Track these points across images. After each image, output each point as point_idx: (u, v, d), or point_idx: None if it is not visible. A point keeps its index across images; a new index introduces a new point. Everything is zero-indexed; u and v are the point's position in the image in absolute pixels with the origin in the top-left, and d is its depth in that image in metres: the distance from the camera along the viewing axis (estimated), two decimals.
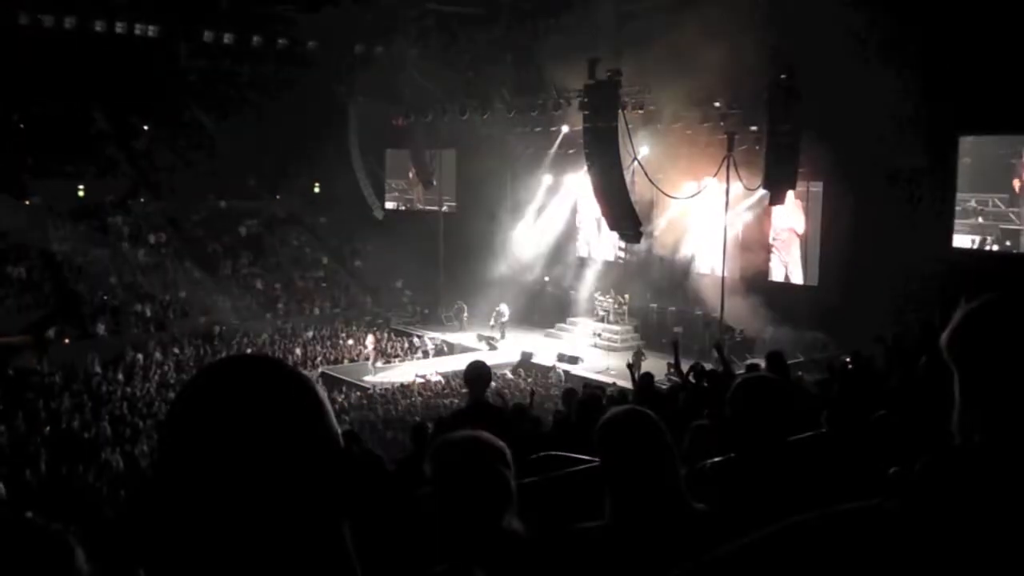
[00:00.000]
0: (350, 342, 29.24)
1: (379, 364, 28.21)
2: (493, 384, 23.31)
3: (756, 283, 28.32)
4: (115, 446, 18.63)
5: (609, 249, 33.02)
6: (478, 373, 5.96)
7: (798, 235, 28.76)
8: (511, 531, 2.17)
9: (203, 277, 34.32)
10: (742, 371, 10.71)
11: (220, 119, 38.04)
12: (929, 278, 20.59)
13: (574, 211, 34.62)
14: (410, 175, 39.82)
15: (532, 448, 5.38)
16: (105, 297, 30.71)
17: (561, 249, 34.54)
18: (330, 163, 36.73)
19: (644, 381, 9.81)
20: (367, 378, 26.65)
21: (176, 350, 28.61)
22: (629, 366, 12.10)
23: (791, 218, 28.65)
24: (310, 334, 31.90)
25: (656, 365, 17.82)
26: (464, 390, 23.57)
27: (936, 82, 21.45)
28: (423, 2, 31.44)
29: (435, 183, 37.49)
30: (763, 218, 28.81)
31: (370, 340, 28.15)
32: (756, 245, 28.92)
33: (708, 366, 11.04)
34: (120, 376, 25.86)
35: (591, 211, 31.88)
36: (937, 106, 21.90)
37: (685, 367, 10.53)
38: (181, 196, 36.38)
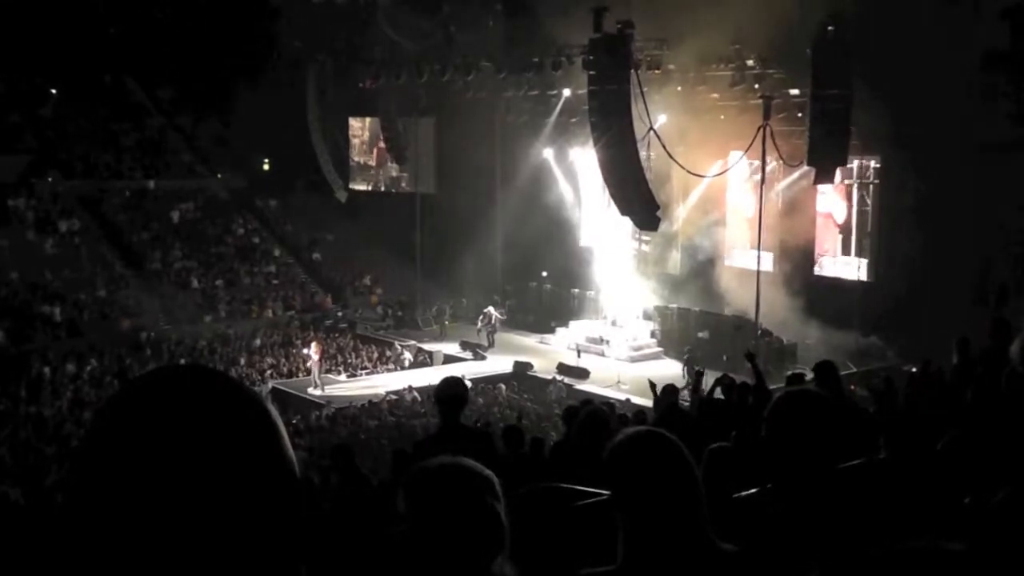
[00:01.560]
0: (306, 351, 29.28)
1: (329, 375, 28.27)
2: (480, 401, 23.40)
3: (798, 279, 28.40)
4: (16, 477, 18.57)
5: (620, 238, 33.07)
6: (452, 393, 5.96)
7: (836, 224, 28.83)
8: None
9: (127, 272, 34.23)
10: (781, 385, 10.75)
11: (148, 82, 37.94)
12: (1017, 272, 20.67)
13: (577, 192, 34.64)
14: (379, 148, 39.79)
15: (527, 478, 5.39)
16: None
17: (562, 239, 34.57)
18: (283, 134, 36.68)
19: (665, 396, 9.84)
20: (311, 391, 26.75)
21: (93, 361, 28.53)
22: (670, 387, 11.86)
23: (827, 201, 28.70)
24: (258, 341, 31.84)
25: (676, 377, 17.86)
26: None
27: None
28: None
29: (410, 158, 37.48)
30: (807, 200, 28.87)
31: (314, 348, 28.24)
32: (797, 233, 28.97)
33: (740, 379, 11.07)
34: (23, 393, 25.77)
35: (598, 192, 31.90)
36: None
37: (709, 380, 10.56)
38: (99, 174, 36.26)
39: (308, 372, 28.43)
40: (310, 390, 27.04)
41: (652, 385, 12.36)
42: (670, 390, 10.06)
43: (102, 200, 36.45)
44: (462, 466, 2.26)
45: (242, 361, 29.67)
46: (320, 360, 27.97)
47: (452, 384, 6.05)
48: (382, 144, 38.95)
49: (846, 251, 28.81)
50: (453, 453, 2.32)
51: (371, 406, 24.70)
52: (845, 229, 28.75)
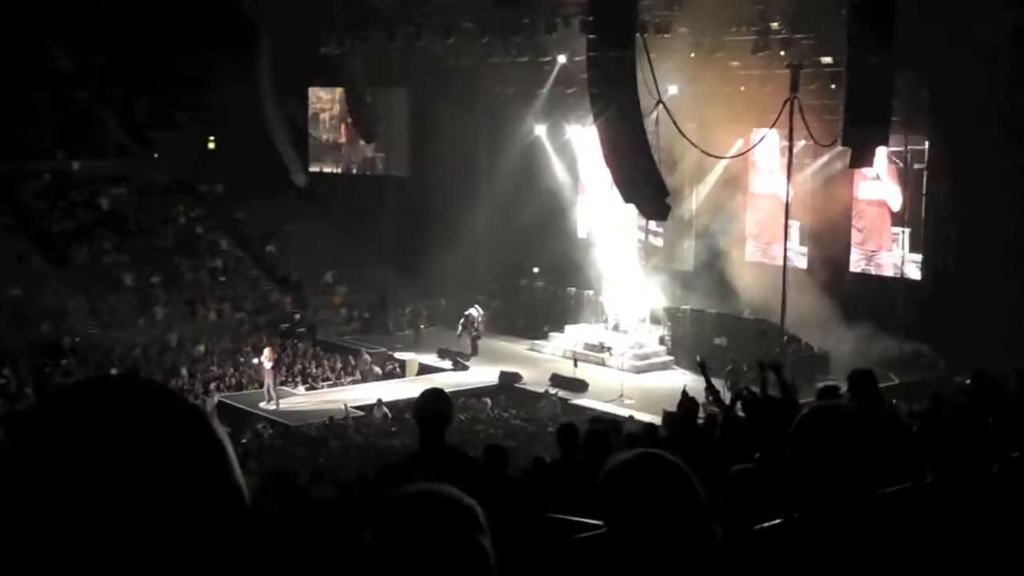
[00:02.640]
0: (258, 360, 29.24)
1: (285, 388, 28.22)
2: (461, 418, 23.40)
3: (832, 276, 28.44)
4: None
5: (623, 229, 33.06)
6: (434, 409, 5.93)
7: (892, 212, 28.89)
8: None
9: (46, 268, 34.08)
10: (811, 399, 10.78)
11: (75, 46, 37.79)
12: None
13: (574, 176, 34.63)
14: (344, 125, 39.73)
15: (516, 508, 5.39)
16: None
17: (556, 230, 34.55)
18: (231, 108, 36.58)
19: (683, 411, 9.85)
20: (264, 406, 26.76)
21: (7, 371, 28.43)
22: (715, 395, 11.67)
23: (880, 188, 28.76)
24: (202, 348, 31.76)
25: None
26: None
27: None
28: None
29: (380, 135, 37.41)
30: (842, 186, 28.90)
31: (266, 355, 28.15)
32: (832, 223, 29.01)
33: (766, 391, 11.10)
34: None
35: (598, 175, 31.87)
36: None
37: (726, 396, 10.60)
38: (12, 153, 36.05)
39: (260, 384, 28.38)
40: (262, 405, 27.01)
41: (702, 364, 12.28)
42: (687, 404, 10.07)
43: (17, 184, 36.27)
44: (440, 494, 2.25)
45: (183, 371, 29.61)
46: (274, 370, 27.89)
47: (434, 398, 6.00)
48: (347, 120, 38.88)
49: (893, 244, 28.74)
50: (434, 478, 2.31)
51: (333, 424, 24.66)
52: (895, 220, 28.73)
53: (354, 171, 40.57)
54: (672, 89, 27.71)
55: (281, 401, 27.21)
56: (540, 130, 34.55)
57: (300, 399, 28.20)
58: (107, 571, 1.06)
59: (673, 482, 2.46)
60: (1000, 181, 24.25)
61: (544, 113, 34.20)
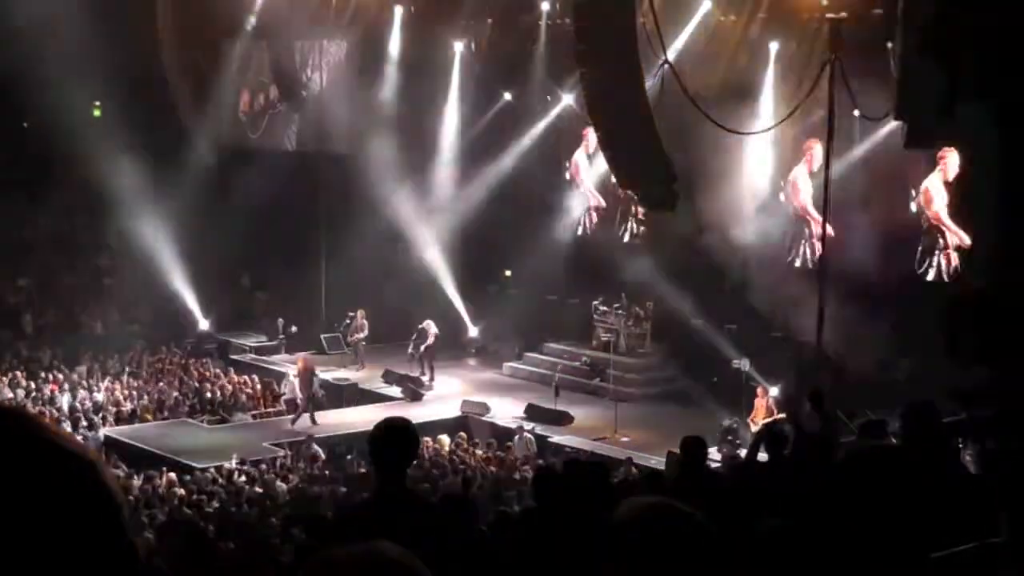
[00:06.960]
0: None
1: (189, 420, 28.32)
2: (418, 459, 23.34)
3: (885, 282, 28.34)
4: None
5: (620, 220, 33.04)
6: (395, 442, 5.88)
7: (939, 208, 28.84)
8: None
9: None
10: (852, 438, 10.84)
11: None
12: None
13: (557, 151, 34.54)
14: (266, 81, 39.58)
15: (482, 568, 5.42)
16: None
17: (535, 224, 34.41)
18: (121, 59, 36.36)
19: (689, 452, 9.86)
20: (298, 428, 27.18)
21: None
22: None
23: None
24: (83, 368, 31.43)
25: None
26: (364, 470, 23.31)
27: None
28: None
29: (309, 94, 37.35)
30: (900, 169, 28.79)
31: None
32: (887, 216, 28.90)
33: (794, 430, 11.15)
34: None
35: (587, 151, 31.90)
36: None
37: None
38: None
39: (163, 413, 28.31)
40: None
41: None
42: (693, 445, 10.07)
43: None
44: (380, 555, 2.26)
45: (63, 401, 29.14)
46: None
47: (395, 429, 5.92)
48: (269, 74, 38.76)
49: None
50: (395, 531, 2.32)
51: (250, 466, 24.49)
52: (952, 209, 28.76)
53: (276, 146, 40.22)
54: (680, 44, 27.75)
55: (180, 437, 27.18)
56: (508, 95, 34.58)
57: (204, 433, 27.95)
58: None
59: (693, 541, 2.48)
60: None
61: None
